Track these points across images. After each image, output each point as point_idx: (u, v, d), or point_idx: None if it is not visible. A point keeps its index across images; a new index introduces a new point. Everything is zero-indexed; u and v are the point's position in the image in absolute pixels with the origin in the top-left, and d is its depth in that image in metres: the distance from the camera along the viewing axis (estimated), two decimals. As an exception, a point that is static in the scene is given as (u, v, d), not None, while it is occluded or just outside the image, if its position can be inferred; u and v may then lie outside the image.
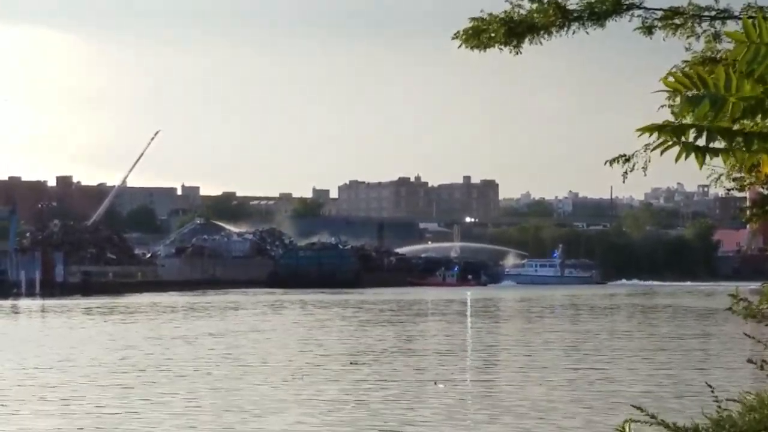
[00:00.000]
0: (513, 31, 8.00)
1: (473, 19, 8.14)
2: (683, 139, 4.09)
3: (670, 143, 4.21)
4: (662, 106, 7.55)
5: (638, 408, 6.11)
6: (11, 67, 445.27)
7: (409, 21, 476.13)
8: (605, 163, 7.21)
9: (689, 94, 4.01)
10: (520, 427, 26.46)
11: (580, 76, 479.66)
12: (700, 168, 4.39)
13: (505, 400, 31.28)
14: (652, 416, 6.09)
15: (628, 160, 7.10)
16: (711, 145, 4.16)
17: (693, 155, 4.21)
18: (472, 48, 8.14)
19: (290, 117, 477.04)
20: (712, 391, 6.51)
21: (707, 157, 4.21)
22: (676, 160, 4.23)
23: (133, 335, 59.14)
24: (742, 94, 4.01)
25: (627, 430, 5.77)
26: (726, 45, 8.77)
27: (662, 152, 4.25)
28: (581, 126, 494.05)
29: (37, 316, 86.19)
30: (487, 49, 8.14)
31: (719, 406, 6.04)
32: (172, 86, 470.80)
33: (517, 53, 8.30)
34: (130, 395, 32.74)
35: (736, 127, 4.18)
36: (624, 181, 6.99)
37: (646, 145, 5.69)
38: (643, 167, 6.77)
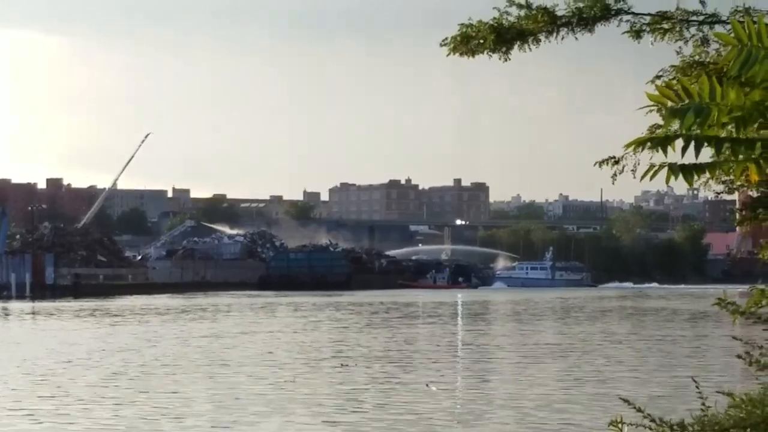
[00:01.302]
0: (502, 38, 8.05)
1: (462, 25, 8.20)
2: (669, 149, 4.13)
3: (657, 168, 4.24)
4: (651, 110, 7.62)
5: (626, 401, 6.18)
6: (1, 69, 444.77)
7: (398, 24, 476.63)
8: (594, 165, 7.28)
9: (674, 106, 4.03)
10: (512, 429, 26.52)
11: (571, 78, 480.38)
12: (690, 186, 4.44)
13: (497, 401, 31.34)
14: (639, 410, 6.17)
15: (617, 162, 7.16)
16: (697, 161, 4.19)
17: (681, 176, 4.24)
18: (461, 55, 8.19)
19: (280, 120, 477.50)
20: (697, 387, 6.59)
21: (695, 176, 4.24)
22: (667, 181, 4.26)
23: (126, 337, 59.10)
24: (727, 102, 4.04)
25: (619, 427, 5.83)
26: (714, 49, 8.82)
27: (651, 178, 4.29)
28: (571, 129, 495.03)
29: (28, 318, 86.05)
30: (476, 56, 8.19)
31: (704, 403, 6.12)
32: (162, 89, 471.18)
33: (506, 60, 8.35)
34: (124, 397, 32.73)
35: (723, 134, 4.21)
36: (614, 183, 7.07)
37: (635, 148, 5.75)
38: (632, 170, 6.84)
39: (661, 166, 4.16)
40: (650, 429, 6.11)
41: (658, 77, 8.37)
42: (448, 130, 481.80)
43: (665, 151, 4.14)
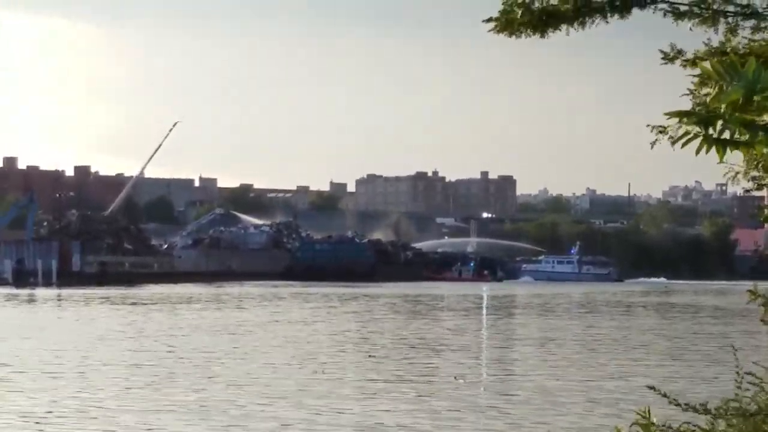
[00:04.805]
0: (537, 18, 8.03)
1: (504, 3, 8.19)
2: (710, 129, 4.08)
3: (691, 135, 4.19)
4: (684, 95, 7.53)
5: (652, 388, 6.16)
6: (30, 56, 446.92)
7: (429, 14, 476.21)
8: (647, 126, 7.19)
9: (725, 81, 3.97)
10: (539, 421, 26.44)
11: (601, 73, 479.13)
12: (721, 160, 4.37)
13: (523, 395, 31.25)
14: (664, 395, 6.16)
15: (662, 131, 7.10)
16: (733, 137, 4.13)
17: (714, 148, 4.19)
18: (499, 32, 8.18)
19: (309, 110, 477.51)
20: (737, 368, 6.53)
21: (727, 150, 4.19)
22: (697, 152, 4.21)
23: (153, 326, 59.29)
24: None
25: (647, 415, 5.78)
26: (741, 39, 8.77)
27: (683, 145, 4.24)
28: (600, 123, 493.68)
29: (54, 305, 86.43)
30: (517, 35, 8.17)
31: (739, 385, 6.09)
32: (191, 77, 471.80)
33: (542, 36, 8.31)
34: (149, 388, 32.81)
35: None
36: (652, 148, 7.00)
37: (671, 137, 5.70)
38: (671, 140, 6.76)
39: (695, 136, 4.10)
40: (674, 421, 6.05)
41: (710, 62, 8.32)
42: (476, 122, 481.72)
43: (705, 129, 4.09)
